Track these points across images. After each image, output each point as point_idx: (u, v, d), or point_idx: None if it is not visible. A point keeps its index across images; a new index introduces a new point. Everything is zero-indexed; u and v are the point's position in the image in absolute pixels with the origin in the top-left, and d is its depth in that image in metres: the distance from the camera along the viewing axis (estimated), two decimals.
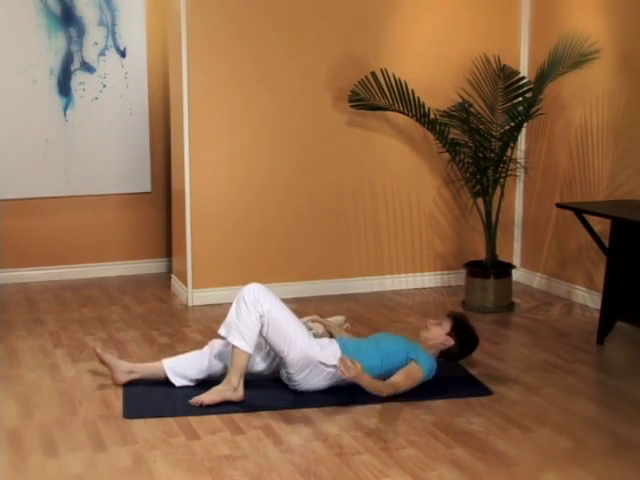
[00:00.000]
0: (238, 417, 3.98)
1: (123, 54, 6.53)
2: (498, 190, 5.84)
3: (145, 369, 4.38)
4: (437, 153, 6.11)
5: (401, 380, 4.18)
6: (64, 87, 6.42)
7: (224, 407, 4.05)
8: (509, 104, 5.69)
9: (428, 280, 6.38)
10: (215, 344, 4.35)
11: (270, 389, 4.30)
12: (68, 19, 6.36)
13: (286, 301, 4.34)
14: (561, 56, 5.59)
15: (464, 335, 4.42)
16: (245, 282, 4.33)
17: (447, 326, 4.39)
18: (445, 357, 4.44)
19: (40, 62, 6.33)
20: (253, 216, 5.95)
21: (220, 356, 4.29)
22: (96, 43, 6.46)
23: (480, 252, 6.18)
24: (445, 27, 6.14)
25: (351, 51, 5.97)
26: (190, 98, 5.73)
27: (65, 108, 6.44)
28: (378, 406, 4.11)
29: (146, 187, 6.77)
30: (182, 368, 4.32)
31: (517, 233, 6.52)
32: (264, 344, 4.28)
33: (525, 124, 5.92)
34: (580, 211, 5.14)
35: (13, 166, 6.38)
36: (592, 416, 4.03)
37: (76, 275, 6.64)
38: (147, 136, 6.70)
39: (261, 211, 5.97)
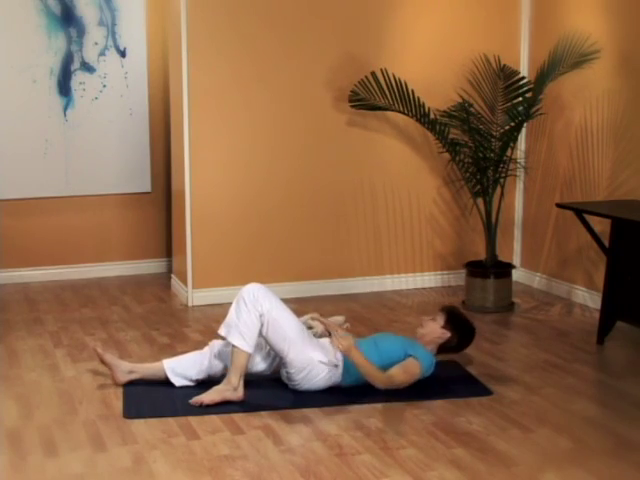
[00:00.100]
0: (238, 417, 3.98)
1: (123, 54, 6.53)
2: (498, 190, 5.84)
3: (145, 369, 4.38)
4: (437, 153, 6.11)
5: (398, 373, 4.18)
6: (64, 87, 6.42)
7: (224, 407, 4.05)
8: (509, 104, 5.69)
9: (428, 280, 6.38)
10: (215, 344, 4.35)
11: (270, 389, 4.31)
12: (68, 19, 6.36)
13: (286, 301, 4.35)
14: (561, 56, 5.59)
15: (459, 326, 4.43)
16: (245, 282, 4.33)
17: (441, 320, 4.40)
18: (445, 351, 4.44)
19: (40, 62, 6.33)
20: (253, 216, 5.96)
21: (220, 356, 4.29)
22: (96, 43, 6.46)
23: (480, 252, 6.18)
24: (445, 27, 6.14)
25: (351, 51, 5.97)
26: (190, 98, 5.73)
27: (65, 108, 6.44)
28: (378, 406, 4.11)
29: (146, 187, 6.77)
30: (182, 368, 4.32)
31: (517, 233, 6.52)
32: (264, 344, 4.29)
33: (525, 124, 5.92)
34: (580, 211, 5.14)
35: (13, 166, 6.38)
36: (592, 416, 4.03)
37: (76, 275, 6.64)
38: (147, 136, 6.70)
39: (261, 211, 5.97)
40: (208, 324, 5.41)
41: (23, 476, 3.45)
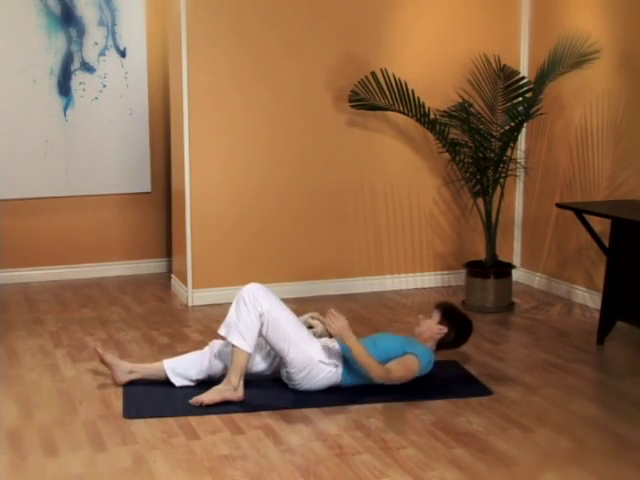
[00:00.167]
0: (238, 417, 3.98)
1: (123, 54, 6.53)
2: (498, 190, 5.84)
3: (145, 369, 4.38)
4: (437, 153, 6.11)
5: (397, 368, 4.18)
6: (64, 87, 6.42)
7: (224, 407, 4.05)
8: (509, 104, 5.69)
9: (428, 280, 6.38)
10: (215, 344, 4.36)
11: (270, 389, 4.31)
12: (68, 19, 6.36)
13: (286, 301, 4.35)
14: (561, 56, 5.59)
15: (455, 320, 4.44)
16: (245, 282, 4.34)
17: (437, 316, 4.41)
18: (444, 347, 4.45)
19: (40, 62, 6.33)
20: (253, 216, 5.96)
21: (220, 356, 4.29)
22: (96, 43, 6.46)
23: (480, 252, 6.18)
24: (445, 27, 6.14)
25: (351, 51, 5.97)
26: (190, 98, 5.73)
27: (65, 108, 6.44)
28: (378, 406, 4.11)
29: (146, 187, 6.77)
30: (182, 368, 4.32)
31: (517, 233, 6.52)
32: (264, 344, 4.29)
33: (525, 124, 5.92)
34: (580, 211, 5.14)
35: (13, 166, 6.38)
36: (592, 416, 4.03)
37: (76, 275, 6.64)
38: (147, 136, 6.70)
39: (261, 211, 5.97)
40: (208, 324, 5.41)
41: (23, 476, 3.45)
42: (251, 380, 4.24)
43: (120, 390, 4.29)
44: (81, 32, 6.41)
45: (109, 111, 6.55)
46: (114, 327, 5.42)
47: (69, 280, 6.57)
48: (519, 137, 6.14)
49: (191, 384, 4.31)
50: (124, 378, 4.34)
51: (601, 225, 5.31)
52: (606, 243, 5.09)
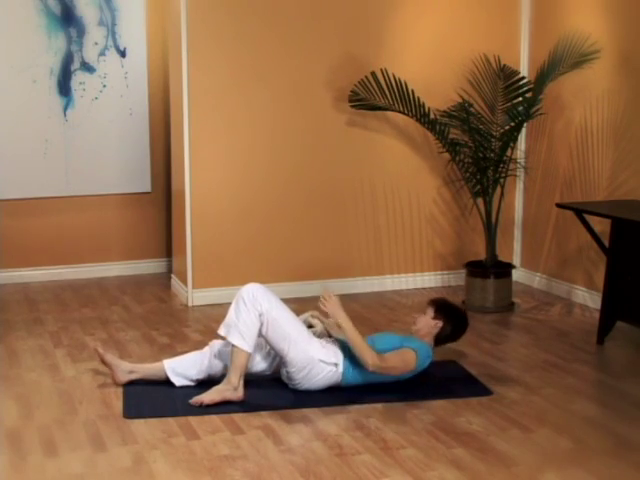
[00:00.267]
0: (238, 417, 3.98)
1: (123, 54, 6.53)
2: (498, 190, 5.84)
3: (146, 369, 4.38)
4: (437, 153, 6.11)
5: (391, 355, 4.19)
6: (64, 87, 6.42)
7: (224, 407, 4.05)
8: (509, 104, 5.69)
9: (428, 280, 6.38)
10: (215, 344, 4.36)
11: (270, 389, 4.31)
12: (68, 19, 6.36)
13: (286, 301, 4.35)
14: (561, 56, 5.59)
15: (449, 313, 4.46)
16: (245, 282, 4.33)
17: (431, 312, 4.44)
18: (442, 342, 4.46)
19: (40, 62, 6.33)
20: (253, 216, 5.96)
21: (220, 356, 4.29)
22: (96, 43, 6.46)
23: (480, 252, 6.18)
24: (445, 27, 6.14)
25: (351, 51, 5.97)
26: (190, 98, 5.73)
27: (65, 108, 6.44)
28: (378, 406, 4.11)
29: (146, 187, 6.77)
30: (183, 368, 4.32)
31: (517, 233, 6.52)
32: (264, 344, 4.29)
33: (525, 124, 5.92)
34: (580, 211, 5.14)
35: (13, 166, 6.38)
36: (592, 416, 4.03)
37: (76, 275, 6.64)
38: (147, 136, 6.70)
39: (261, 211, 5.97)
40: (208, 324, 5.41)
41: (23, 476, 3.45)
42: (251, 380, 4.24)
43: (120, 390, 4.29)
44: (81, 32, 6.41)
45: (109, 111, 6.55)
46: (114, 327, 5.42)
47: (69, 280, 6.57)
48: (519, 137, 6.14)
49: (191, 384, 4.31)
50: (124, 378, 4.34)
51: (601, 225, 5.31)
52: (606, 243, 5.09)
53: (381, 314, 5.71)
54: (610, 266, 5.03)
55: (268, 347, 4.30)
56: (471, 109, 5.75)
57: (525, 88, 5.66)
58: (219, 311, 5.32)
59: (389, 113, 5.98)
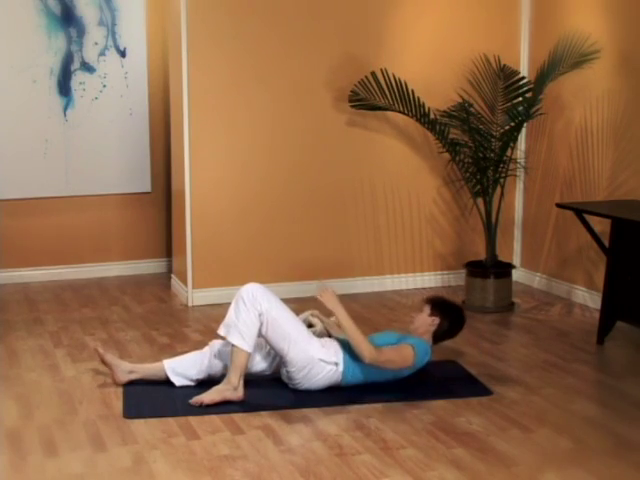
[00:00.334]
0: (238, 417, 3.98)
1: (123, 54, 6.53)
2: (498, 190, 5.84)
3: (146, 369, 4.38)
4: (437, 153, 6.11)
5: (388, 349, 4.20)
6: (64, 87, 6.42)
7: (224, 407, 4.05)
8: (509, 104, 5.69)
9: (428, 280, 6.38)
10: (215, 344, 4.36)
11: (270, 389, 4.31)
12: (68, 19, 6.36)
13: (286, 301, 4.35)
14: (561, 56, 5.59)
15: (445, 309, 4.47)
16: (245, 282, 4.33)
17: (427, 309, 4.45)
18: (441, 338, 4.46)
19: (40, 62, 6.33)
20: (253, 216, 5.96)
21: (220, 355, 4.29)
22: (96, 43, 6.46)
23: (480, 252, 6.18)
24: (445, 27, 6.14)
25: (351, 51, 5.97)
26: (190, 98, 5.73)
27: (65, 108, 6.44)
28: (378, 406, 4.11)
29: (146, 187, 6.77)
30: (183, 368, 4.32)
31: (517, 233, 6.52)
32: (264, 344, 4.29)
33: (525, 124, 5.92)
34: (580, 211, 5.14)
35: (13, 166, 6.38)
36: (592, 416, 4.03)
37: (76, 275, 6.64)
38: (147, 136, 6.70)
39: (261, 211, 5.97)
40: (208, 324, 5.41)
41: (23, 476, 3.45)
42: (251, 380, 4.24)
43: (120, 390, 4.29)
44: (81, 32, 6.41)
45: (109, 111, 6.55)
46: (114, 327, 5.42)
47: (69, 280, 6.57)
48: (519, 137, 6.14)
49: (191, 384, 4.31)
50: (124, 378, 4.34)
51: (601, 225, 5.31)
52: (606, 243, 5.09)
53: (381, 314, 5.71)
54: (610, 266, 5.03)
55: (268, 347, 4.30)
56: (471, 109, 5.75)
57: (525, 88, 5.66)
58: (219, 311, 5.32)
59: (389, 113, 5.98)
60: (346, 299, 5.97)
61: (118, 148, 6.63)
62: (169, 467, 3.50)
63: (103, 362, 4.39)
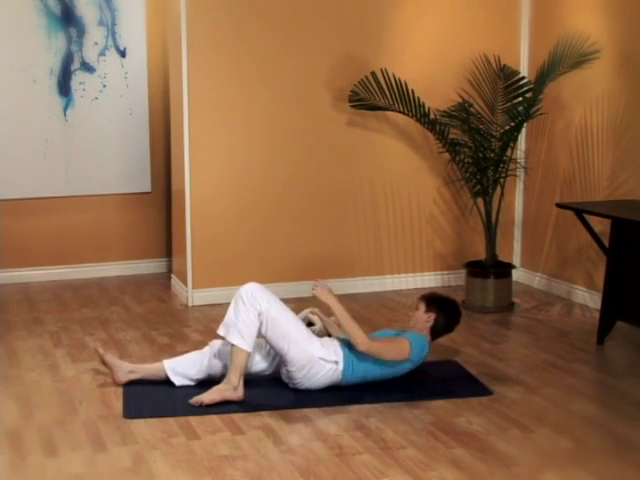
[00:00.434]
0: (238, 417, 3.98)
1: (123, 54, 6.53)
2: (498, 190, 5.84)
3: (146, 369, 4.38)
4: (437, 153, 6.11)
5: (385, 340, 4.23)
6: (64, 87, 6.42)
7: (224, 407, 4.05)
8: (509, 104, 5.69)
9: (428, 280, 6.38)
10: (215, 343, 4.36)
11: (270, 388, 4.30)
12: (68, 19, 6.36)
13: (286, 301, 4.35)
14: (561, 56, 5.59)
15: (441, 304, 4.49)
16: (245, 282, 4.33)
17: (422, 306, 4.47)
18: (439, 334, 4.48)
19: (40, 62, 6.33)
20: (253, 216, 5.96)
21: (220, 355, 4.29)
22: (96, 43, 6.46)
23: (480, 252, 6.18)
24: (445, 27, 6.14)
25: (351, 51, 5.97)
26: (190, 98, 5.73)
27: (65, 108, 6.44)
28: (378, 406, 4.11)
29: (146, 187, 6.77)
30: (183, 368, 4.33)
31: (517, 233, 6.52)
32: (264, 343, 4.29)
33: (525, 124, 5.92)
34: (580, 211, 5.13)
35: (13, 166, 6.38)
36: (592, 416, 4.03)
37: (76, 275, 6.64)
38: (147, 136, 6.70)
39: (261, 211, 5.97)
40: (208, 324, 5.41)
41: (23, 476, 3.45)
42: (251, 380, 4.24)
43: (120, 390, 4.29)
44: (81, 32, 6.41)
45: (109, 111, 6.55)
46: (114, 327, 5.42)
47: (69, 280, 6.57)
48: (519, 137, 6.14)
49: (191, 384, 4.31)
50: (124, 378, 4.34)
51: (601, 225, 5.31)
52: (606, 243, 5.09)
53: (381, 314, 5.71)
54: (610, 266, 5.03)
55: (268, 347, 4.30)
56: (471, 109, 5.75)
57: (525, 88, 5.66)
58: (219, 311, 5.31)
59: (389, 113, 5.98)
60: (346, 299, 5.99)
61: (118, 148, 6.63)
62: (169, 467, 3.50)
63: (103, 362, 4.39)
